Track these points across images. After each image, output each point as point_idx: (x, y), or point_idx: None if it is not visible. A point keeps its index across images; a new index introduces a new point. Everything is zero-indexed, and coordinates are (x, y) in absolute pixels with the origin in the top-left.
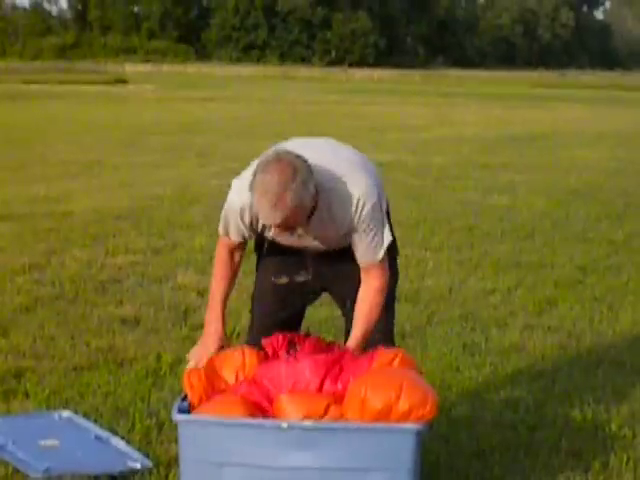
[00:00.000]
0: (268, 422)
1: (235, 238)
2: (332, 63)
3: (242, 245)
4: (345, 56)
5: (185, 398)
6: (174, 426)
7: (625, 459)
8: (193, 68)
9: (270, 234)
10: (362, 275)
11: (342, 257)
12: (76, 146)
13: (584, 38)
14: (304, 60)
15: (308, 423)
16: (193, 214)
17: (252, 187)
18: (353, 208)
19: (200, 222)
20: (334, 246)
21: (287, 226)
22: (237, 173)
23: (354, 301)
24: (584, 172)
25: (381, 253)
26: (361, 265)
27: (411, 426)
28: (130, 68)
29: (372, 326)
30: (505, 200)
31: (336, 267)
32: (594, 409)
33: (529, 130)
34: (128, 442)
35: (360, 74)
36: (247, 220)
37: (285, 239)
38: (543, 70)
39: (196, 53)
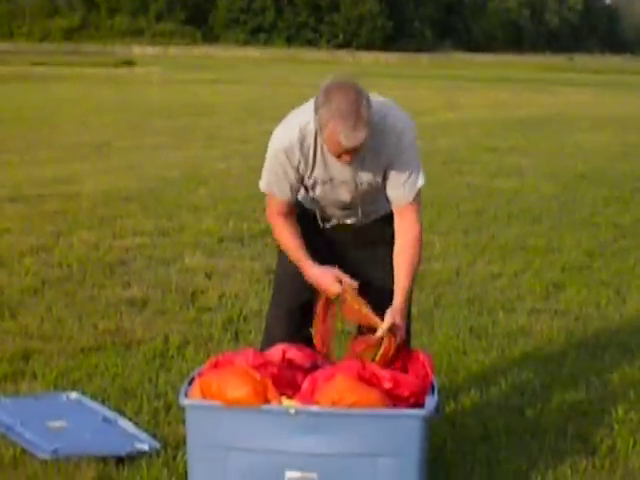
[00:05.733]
0: (275, 407)
1: (282, 194)
2: (339, 46)
3: (291, 207)
4: (352, 39)
5: (192, 382)
6: (182, 408)
7: (632, 443)
8: (200, 50)
9: (311, 181)
10: (396, 221)
11: (363, 244)
12: (84, 128)
13: (592, 22)
14: (311, 43)
15: (315, 408)
16: (200, 196)
17: (324, 118)
18: (395, 138)
19: (207, 204)
20: (367, 197)
21: (357, 150)
22: (244, 155)
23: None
24: (591, 156)
25: (415, 192)
26: (395, 207)
27: (418, 412)
28: (137, 50)
29: (414, 276)
30: (512, 184)
31: (357, 253)
32: (601, 393)
33: (536, 114)
34: (136, 423)
35: (367, 57)
36: (295, 161)
37: (323, 190)
38: (550, 54)
39: (203, 36)
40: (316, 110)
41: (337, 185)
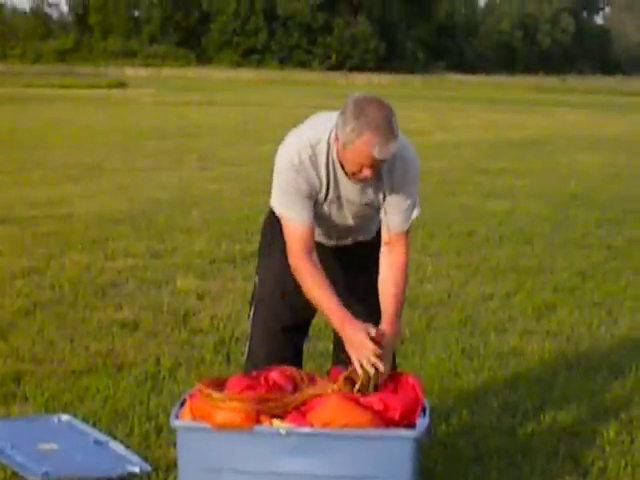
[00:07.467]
0: (267, 429)
1: (301, 217)
2: (332, 68)
3: (312, 236)
4: (345, 61)
5: (183, 404)
6: (173, 430)
7: (623, 464)
8: (193, 72)
9: (321, 197)
10: (385, 249)
11: (356, 265)
12: (76, 150)
13: (584, 43)
14: (304, 65)
15: (306, 429)
16: (192, 218)
17: (357, 130)
18: (402, 166)
19: (199, 226)
20: (365, 219)
21: (381, 166)
22: (237, 177)
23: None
24: (583, 177)
25: (409, 223)
26: (386, 233)
27: (409, 433)
28: (130, 72)
29: (402, 304)
30: (504, 205)
31: (342, 275)
32: (592, 414)
33: (529, 135)
34: (127, 446)
35: (360, 79)
36: (308, 178)
37: (330, 208)
38: (543, 75)
39: (196, 57)
40: (345, 123)
41: (343, 204)
